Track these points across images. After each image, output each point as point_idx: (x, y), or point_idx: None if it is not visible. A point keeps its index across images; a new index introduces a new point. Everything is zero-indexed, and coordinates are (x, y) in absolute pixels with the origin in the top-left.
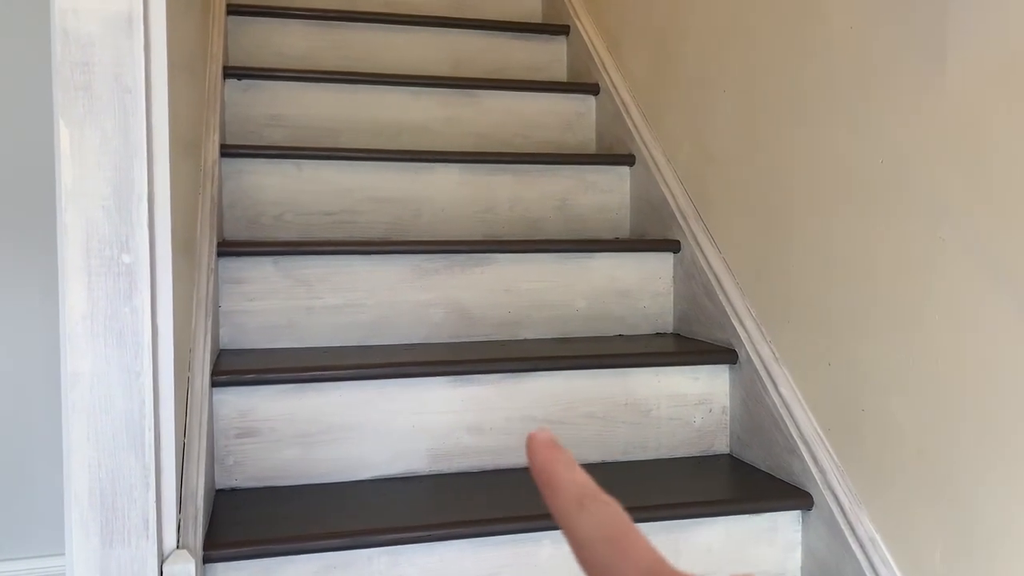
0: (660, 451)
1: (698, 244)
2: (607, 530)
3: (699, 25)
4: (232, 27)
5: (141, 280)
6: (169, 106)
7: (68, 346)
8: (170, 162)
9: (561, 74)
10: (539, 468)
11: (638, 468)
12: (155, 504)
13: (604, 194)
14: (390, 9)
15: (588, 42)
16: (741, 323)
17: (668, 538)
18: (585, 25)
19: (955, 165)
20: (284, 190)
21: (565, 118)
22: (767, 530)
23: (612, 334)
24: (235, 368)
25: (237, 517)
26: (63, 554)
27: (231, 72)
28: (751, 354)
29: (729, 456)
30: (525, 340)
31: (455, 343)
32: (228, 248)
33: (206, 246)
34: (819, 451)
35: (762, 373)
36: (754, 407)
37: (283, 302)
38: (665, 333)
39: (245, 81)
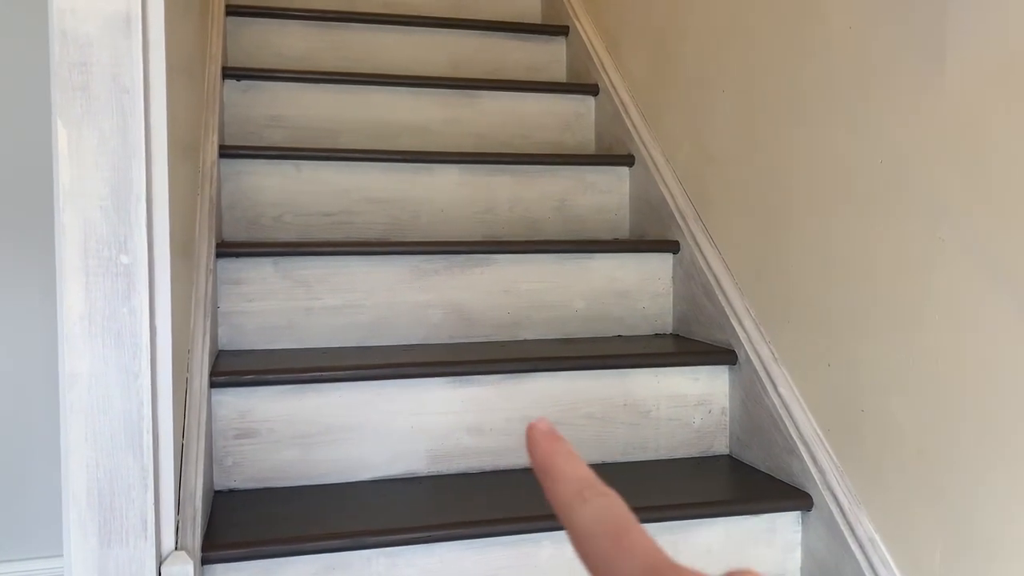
0: (659, 452)
1: (697, 244)
2: (607, 523)
3: (698, 25)
4: (231, 28)
5: (139, 281)
6: (167, 107)
7: (66, 346)
8: (168, 163)
9: (560, 74)
10: (539, 459)
11: (638, 469)
12: (153, 505)
13: (603, 195)
14: (389, 10)
15: (587, 42)
16: (740, 324)
17: (668, 539)
18: (584, 25)
19: (954, 165)
20: (283, 191)
21: (564, 118)
22: (766, 531)
23: (611, 335)
24: (234, 369)
25: (236, 518)
26: (61, 555)
27: (230, 73)
28: (750, 355)
29: (729, 457)
30: (524, 341)
31: (454, 344)
32: (227, 249)
33: (205, 247)
34: (818, 452)
35: (761, 374)
36: (753, 408)
37: (282, 303)
38: (664, 334)
39: (244, 82)
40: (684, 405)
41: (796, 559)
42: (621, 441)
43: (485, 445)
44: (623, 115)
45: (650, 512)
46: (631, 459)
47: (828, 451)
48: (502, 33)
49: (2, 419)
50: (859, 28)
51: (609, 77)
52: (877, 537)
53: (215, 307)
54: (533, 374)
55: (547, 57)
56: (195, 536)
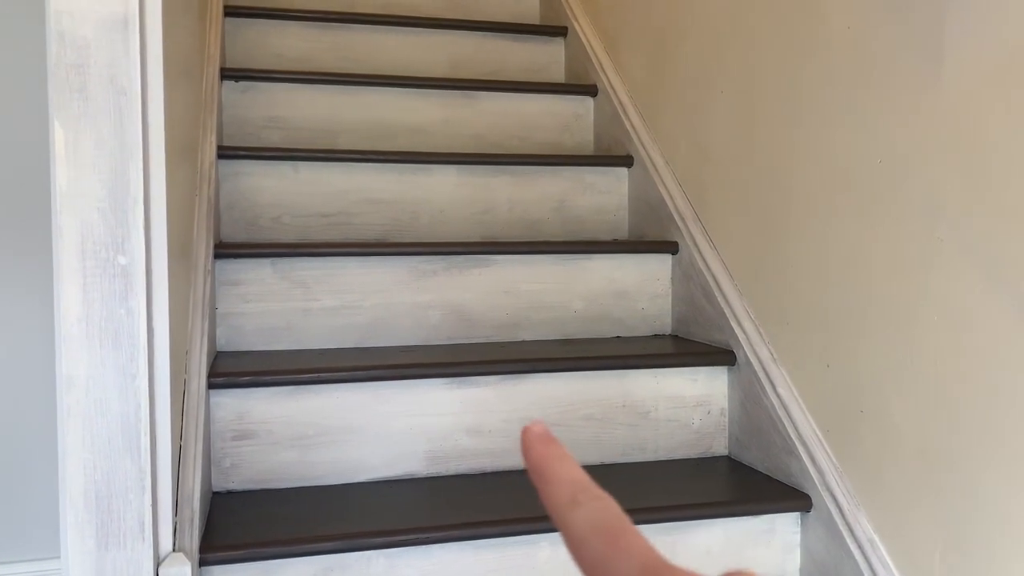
0: (658, 453)
1: (696, 245)
2: (602, 526)
3: (697, 26)
4: (230, 29)
5: (137, 282)
6: (165, 108)
7: (63, 348)
8: (166, 164)
9: (559, 75)
10: (533, 462)
11: (636, 470)
12: (151, 507)
13: (602, 195)
14: (388, 10)
15: (586, 43)
16: (739, 324)
17: (666, 540)
18: (583, 26)
19: (953, 165)
20: (282, 192)
21: (563, 119)
22: (765, 532)
23: (610, 336)
24: (232, 370)
25: (234, 520)
26: (59, 557)
27: (228, 74)
28: (749, 355)
29: (728, 458)
30: (523, 342)
31: (453, 345)
32: (225, 250)
33: (203, 248)
34: (817, 452)
35: (760, 374)
36: (752, 408)
37: (280, 304)
38: (663, 335)
39: (243, 83)
40: (683, 406)
41: (795, 560)
42: (620, 442)
43: (484, 446)
44: (622, 116)
45: (649, 513)
46: (630, 460)
47: (827, 452)
48: (501, 34)
49: (0, 421)
50: (858, 28)
51: (608, 78)
52: (876, 538)
53: (213, 308)
54: (532, 375)
55: (546, 58)
56: (193, 538)
